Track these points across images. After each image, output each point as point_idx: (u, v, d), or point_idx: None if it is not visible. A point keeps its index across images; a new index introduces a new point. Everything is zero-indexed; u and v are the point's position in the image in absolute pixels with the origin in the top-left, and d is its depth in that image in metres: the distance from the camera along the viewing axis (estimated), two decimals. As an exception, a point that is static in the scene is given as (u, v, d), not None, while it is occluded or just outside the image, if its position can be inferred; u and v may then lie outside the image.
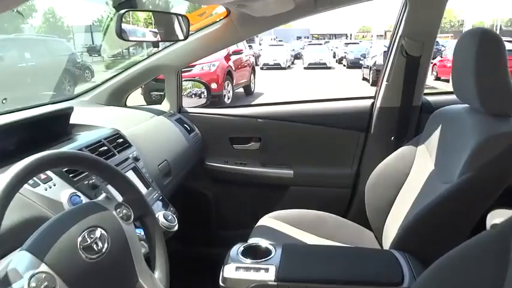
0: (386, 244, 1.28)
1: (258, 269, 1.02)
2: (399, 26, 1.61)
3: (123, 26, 1.28)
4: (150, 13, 1.46)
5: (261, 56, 18.70)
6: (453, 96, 1.23)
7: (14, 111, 1.36)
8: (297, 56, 24.34)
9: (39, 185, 0.87)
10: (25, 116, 1.12)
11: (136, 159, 1.25)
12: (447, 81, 9.90)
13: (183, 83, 1.94)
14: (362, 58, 14.61)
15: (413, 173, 1.33)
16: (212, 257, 1.38)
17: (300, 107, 1.92)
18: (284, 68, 18.11)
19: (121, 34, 1.22)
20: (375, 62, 11.57)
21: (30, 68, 9.01)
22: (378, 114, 1.71)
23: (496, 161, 0.99)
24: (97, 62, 15.66)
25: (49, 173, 0.90)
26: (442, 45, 14.87)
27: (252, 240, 1.35)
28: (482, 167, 0.99)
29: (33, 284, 0.59)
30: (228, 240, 1.23)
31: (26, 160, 0.66)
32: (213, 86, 6.89)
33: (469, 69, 1.03)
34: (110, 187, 0.92)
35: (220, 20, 1.66)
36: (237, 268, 1.03)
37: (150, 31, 1.46)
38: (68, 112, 1.25)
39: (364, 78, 13.27)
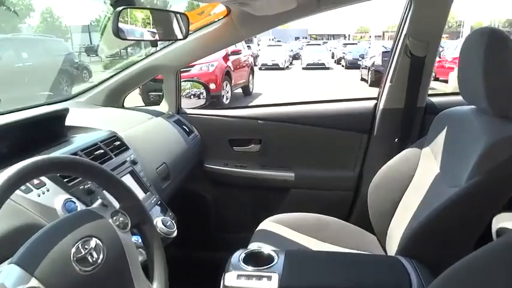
0: (391, 249, 1.25)
1: (260, 277, 0.99)
2: (403, 25, 1.58)
3: (121, 25, 1.24)
4: (149, 13, 1.43)
5: (260, 56, 18.69)
6: (458, 98, 1.20)
7: (7, 113, 1.32)
8: (296, 57, 24.35)
9: (32, 190, 0.83)
10: (18, 117, 1.08)
11: (133, 162, 1.21)
12: (446, 81, 9.91)
13: (182, 83, 1.90)
14: (360, 59, 14.64)
15: (418, 176, 1.31)
16: (212, 262, 1.35)
17: (301, 108, 1.89)
18: (282, 69, 18.10)
19: (118, 33, 1.18)
20: (374, 63, 11.59)
21: (27, 68, 8.98)
22: (381, 115, 1.68)
23: (505, 165, 0.96)
24: (95, 62, 15.63)
25: (42, 177, 0.86)
26: (440, 46, 14.88)
27: (252, 245, 1.32)
28: (491, 170, 0.96)
29: None
30: (228, 244, 1.20)
31: (16, 166, 0.62)
32: (212, 86, 6.85)
33: (477, 69, 1.00)
34: (106, 192, 0.88)
35: (220, 19, 1.62)
36: (239, 276, 1.00)
37: (149, 31, 1.43)
38: (63, 113, 1.21)
39: (362, 79, 13.28)
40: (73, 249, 0.63)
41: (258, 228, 1.45)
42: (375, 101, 1.74)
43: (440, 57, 11.93)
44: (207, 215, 1.93)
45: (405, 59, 1.57)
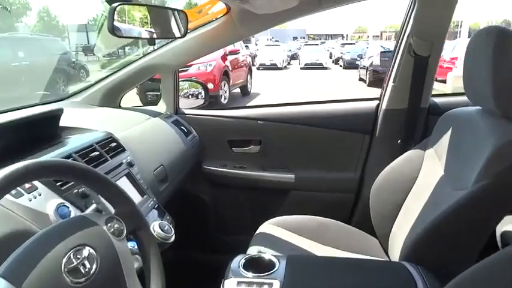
0: (394, 253, 1.23)
1: (261, 284, 0.96)
2: (407, 24, 1.56)
3: (117, 23, 1.20)
4: (147, 13, 1.39)
5: (258, 56, 18.71)
6: (461, 98, 1.17)
7: (0, 112, 1.28)
8: (294, 57, 24.40)
9: (23, 195, 0.79)
10: (11, 117, 1.04)
11: (130, 164, 1.18)
12: (444, 81, 9.91)
13: (180, 83, 1.87)
14: (358, 59, 14.67)
15: (421, 178, 1.28)
16: (211, 264, 1.33)
17: (302, 108, 1.87)
18: (280, 68, 18.14)
19: (113, 30, 1.14)
20: (372, 63, 11.62)
21: (24, 67, 8.96)
22: (384, 116, 1.66)
23: None
24: (92, 62, 15.60)
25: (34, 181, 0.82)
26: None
27: (252, 249, 1.30)
28: (499, 173, 0.93)
29: None
30: (228, 247, 1.18)
31: (4, 171, 0.59)
32: (210, 86, 6.82)
33: (484, 69, 0.98)
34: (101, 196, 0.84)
35: (220, 17, 1.59)
36: (239, 283, 0.96)
37: (146, 30, 1.40)
38: (57, 114, 1.18)
39: (360, 79, 13.31)
40: (64, 260, 0.60)
41: (257, 231, 1.42)
42: (377, 102, 1.72)
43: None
44: (206, 217, 1.90)
45: (409, 58, 1.55)
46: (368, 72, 11.89)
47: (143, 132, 1.49)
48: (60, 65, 9.70)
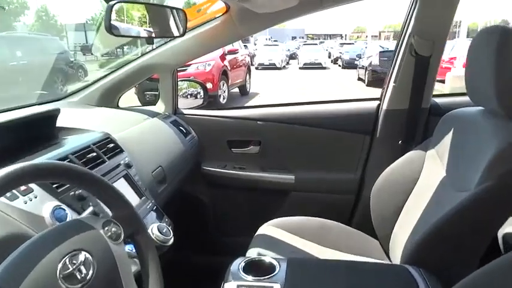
0: (395, 255, 1.22)
1: None
2: (408, 24, 1.55)
3: (115, 22, 1.18)
4: (145, 12, 1.37)
5: (256, 56, 18.71)
6: (463, 98, 1.16)
7: None
8: (292, 56, 24.41)
9: (18, 197, 0.77)
10: (7, 118, 1.03)
11: (128, 166, 1.16)
12: (442, 81, 9.91)
13: (178, 83, 1.86)
14: (357, 58, 14.70)
15: (423, 180, 1.27)
16: (210, 266, 1.32)
17: (302, 108, 1.85)
18: (279, 68, 18.16)
19: (111, 29, 1.12)
20: (371, 63, 11.63)
21: (21, 67, 8.93)
22: (385, 116, 1.65)
23: None
24: (91, 61, 15.57)
25: None
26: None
27: (252, 251, 1.29)
28: (503, 175, 0.92)
29: None
30: (227, 248, 1.16)
31: None
32: (208, 85, 6.82)
33: (487, 69, 0.97)
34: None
35: (219, 16, 1.57)
36: (239, 286, 0.95)
37: (145, 29, 1.38)
38: (54, 114, 1.16)
39: (359, 79, 13.32)
40: (59, 265, 0.58)
41: (257, 233, 1.41)
42: (378, 102, 1.71)
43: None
44: (205, 218, 1.88)
45: (410, 58, 1.53)
46: (367, 72, 11.91)
47: (141, 133, 1.47)
48: (59, 65, 9.67)
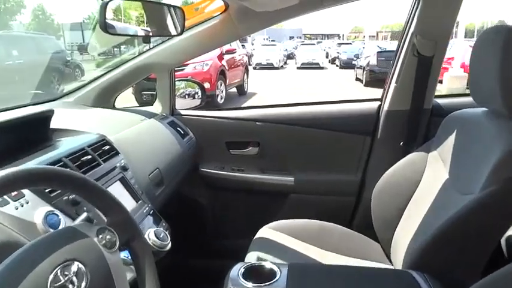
0: (397, 259, 1.20)
1: None
2: (410, 24, 1.53)
3: (110, 21, 1.15)
4: (143, 11, 1.34)
5: (254, 55, 18.74)
6: (465, 99, 1.14)
7: None
8: (290, 56, 24.44)
9: (8, 203, 0.74)
10: None
11: (124, 168, 1.13)
12: (440, 82, 9.92)
13: (176, 83, 1.83)
14: (355, 58, 14.72)
15: (425, 182, 1.25)
16: (208, 270, 1.30)
17: (301, 109, 1.83)
18: (277, 68, 18.18)
19: (105, 28, 1.09)
20: (369, 63, 11.65)
21: (18, 66, 8.89)
22: (386, 117, 1.63)
23: None
24: (88, 61, 15.53)
25: None
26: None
27: (251, 255, 1.26)
28: (508, 179, 0.90)
29: None
30: (226, 251, 1.14)
31: None
32: (206, 85, 6.80)
33: (492, 69, 0.95)
34: None
35: (217, 15, 1.55)
36: None
37: (142, 29, 1.35)
38: (47, 115, 1.13)
39: (357, 79, 13.36)
40: (50, 277, 0.55)
41: (256, 236, 1.39)
42: (379, 103, 1.68)
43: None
44: (203, 220, 1.86)
45: (412, 58, 1.52)
46: (365, 72, 11.94)
47: (138, 134, 1.44)
48: (55, 64, 9.64)
